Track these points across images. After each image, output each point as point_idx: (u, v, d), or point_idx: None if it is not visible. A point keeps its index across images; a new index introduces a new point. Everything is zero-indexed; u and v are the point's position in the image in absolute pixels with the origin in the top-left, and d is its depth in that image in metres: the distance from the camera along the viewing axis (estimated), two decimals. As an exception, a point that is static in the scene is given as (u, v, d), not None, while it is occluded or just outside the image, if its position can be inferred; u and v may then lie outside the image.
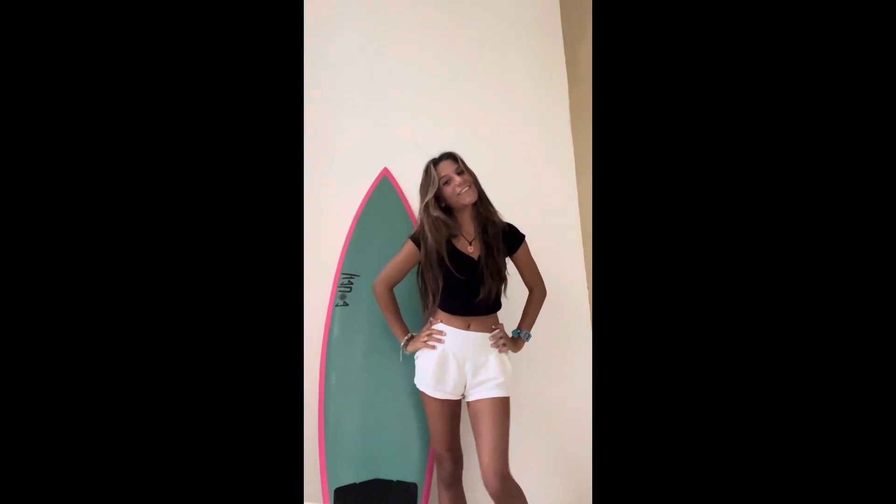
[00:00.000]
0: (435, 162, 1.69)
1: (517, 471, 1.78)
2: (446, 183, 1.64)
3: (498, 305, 1.69)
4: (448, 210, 1.67)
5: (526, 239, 1.77)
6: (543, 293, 1.80)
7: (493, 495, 1.52)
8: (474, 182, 1.67)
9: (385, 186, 2.12)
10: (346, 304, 1.94)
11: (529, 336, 1.76)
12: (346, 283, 1.96)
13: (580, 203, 2.21)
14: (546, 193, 2.23)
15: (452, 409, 1.67)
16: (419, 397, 1.89)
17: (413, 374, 1.85)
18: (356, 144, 2.18)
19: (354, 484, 1.74)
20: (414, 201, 2.15)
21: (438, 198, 1.65)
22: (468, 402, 1.65)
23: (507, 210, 2.16)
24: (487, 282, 1.61)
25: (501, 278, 1.67)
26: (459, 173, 1.65)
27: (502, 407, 1.59)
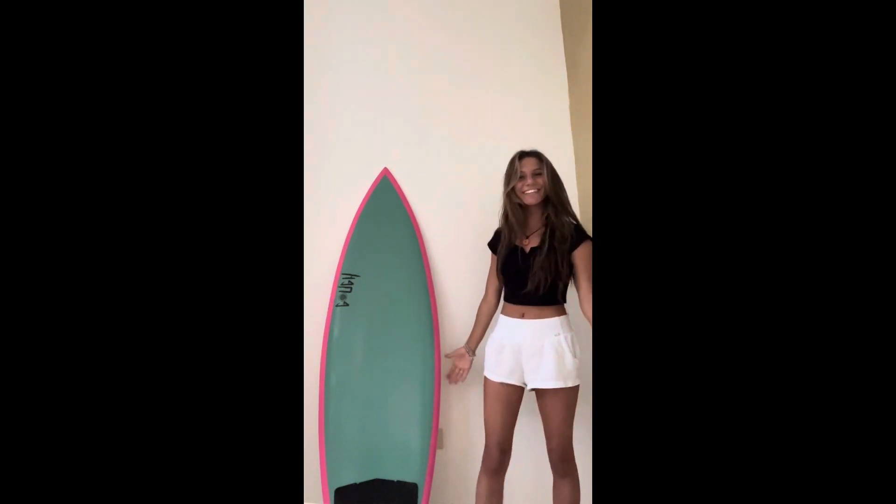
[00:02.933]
0: (520, 156, 1.77)
1: (518, 471, 1.79)
2: (521, 178, 1.73)
3: (553, 298, 1.70)
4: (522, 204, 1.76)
5: (588, 245, 1.70)
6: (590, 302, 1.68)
7: (552, 469, 1.72)
8: (547, 185, 1.72)
9: (385, 186, 2.12)
10: (347, 305, 1.94)
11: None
12: (346, 284, 1.96)
13: (580, 203, 2.21)
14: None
15: (508, 395, 1.71)
16: (419, 397, 1.89)
17: (407, 376, 1.86)
18: (356, 144, 2.18)
19: (355, 484, 1.74)
20: (414, 201, 2.16)
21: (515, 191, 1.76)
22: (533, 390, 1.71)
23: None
24: (537, 274, 1.66)
25: (554, 273, 1.68)
26: (536, 174, 1.72)
27: (554, 397, 1.65)
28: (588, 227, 2.16)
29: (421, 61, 2.25)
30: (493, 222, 1.96)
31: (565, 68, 2.27)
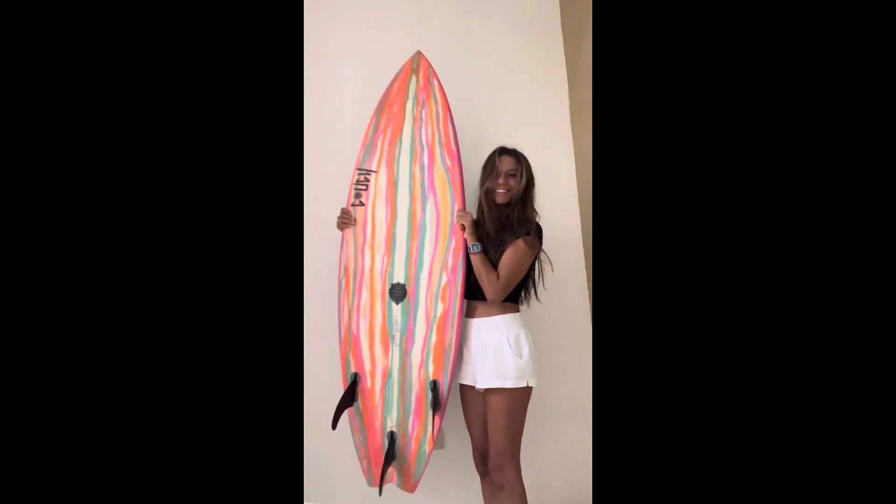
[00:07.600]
0: (500, 152, 1.75)
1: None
2: (497, 177, 1.71)
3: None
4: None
5: (525, 243, 1.65)
6: (493, 290, 1.63)
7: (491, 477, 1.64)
8: (517, 188, 1.69)
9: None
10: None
11: (477, 247, 1.66)
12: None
13: (580, 203, 2.21)
14: (546, 193, 2.22)
15: (473, 398, 1.70)
16: None
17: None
18: (356, 145, 2.18)
19: None
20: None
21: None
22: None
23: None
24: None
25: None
26: (511, 175, 1.70)
27: (492, 399, 1.59)
28: (588, 226, 2.17)
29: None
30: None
31: (565, 68, 2.27)
